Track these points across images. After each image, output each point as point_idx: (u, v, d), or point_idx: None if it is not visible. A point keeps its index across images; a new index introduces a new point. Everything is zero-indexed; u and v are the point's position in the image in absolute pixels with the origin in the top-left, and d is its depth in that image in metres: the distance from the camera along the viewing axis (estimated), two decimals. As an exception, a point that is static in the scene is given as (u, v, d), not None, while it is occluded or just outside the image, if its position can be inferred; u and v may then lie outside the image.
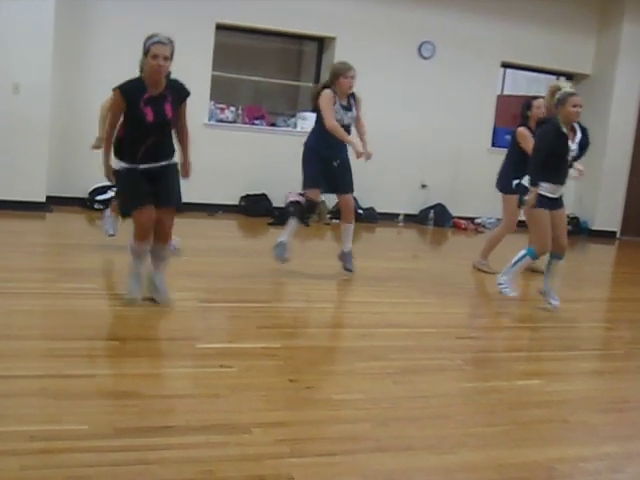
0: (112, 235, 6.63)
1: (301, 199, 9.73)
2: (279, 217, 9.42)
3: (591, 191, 11.21)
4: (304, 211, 6.42)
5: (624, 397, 4.14)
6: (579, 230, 11.17)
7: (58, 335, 4.18)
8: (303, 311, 5.54)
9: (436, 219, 10.57)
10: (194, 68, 8.86)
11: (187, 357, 4.05)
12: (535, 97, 7.29)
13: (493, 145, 11.23)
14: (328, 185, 6.27)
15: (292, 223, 6.39)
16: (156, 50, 4.50)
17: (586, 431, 3.54)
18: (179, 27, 9.00)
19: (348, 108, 6.14)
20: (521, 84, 14.05)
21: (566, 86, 5.62)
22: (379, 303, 5.69)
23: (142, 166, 4.67)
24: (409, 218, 10.57)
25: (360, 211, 10.03)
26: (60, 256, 6.47)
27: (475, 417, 3.58)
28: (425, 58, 10.55)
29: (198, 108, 9.05)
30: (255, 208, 9.72)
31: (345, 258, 6.39)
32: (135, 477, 2.63)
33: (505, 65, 11.49)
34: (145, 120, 4.58)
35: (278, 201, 9.81)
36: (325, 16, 9.89)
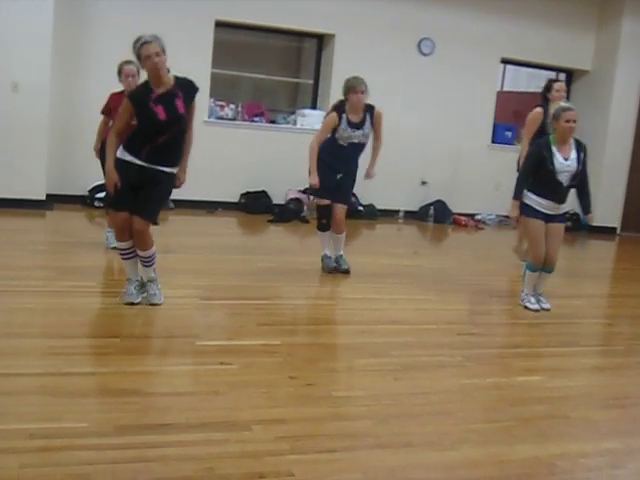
0: (114, 248, 6.47)
1: (300, 196, 9.78)
2: (279, 214, 9.43)
3: (591, 187, 11.17)
4: (320, 218, 6.43)
5: (625, 393, 4.14)
6: (579, 226, 11.14)
7: (58, 333, 4.17)
8: (303, 308, 5.54)
9: (436, 216, 10.57)
10: (193, 65, 8.80)
11: (187, 354, 4.04)
12: (556, 80, 7.25)
13: (493, 141, 11.22)
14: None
15: (320, 235, 6.51)
16: (146, 51, 4.53)
17: (587, 427, 3.53)
18: (178, 25, 9.03)
19: (359, 126, 6.12)
20: (521, 80, 14.03)
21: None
22: (379, 300, 5.69)
23: (141, 163, 4.64)
24: (409, 215, 10.56)
25: (360, 208, 10.04)
26: (60, 254, 6.46)
27: (476, 413, 3.57)
28: (425, 55, 10.53)
29: (198, 105, 8.95)
30: (255, 205, 9.71)
31: (338, 261, 6.41)
32: (135, 475, 2.63)
33: (505, 61, 11.48)
34: (157, 119, 4.57)
35: (278, 198, 9.81)
36: (324, 13, 9.88)
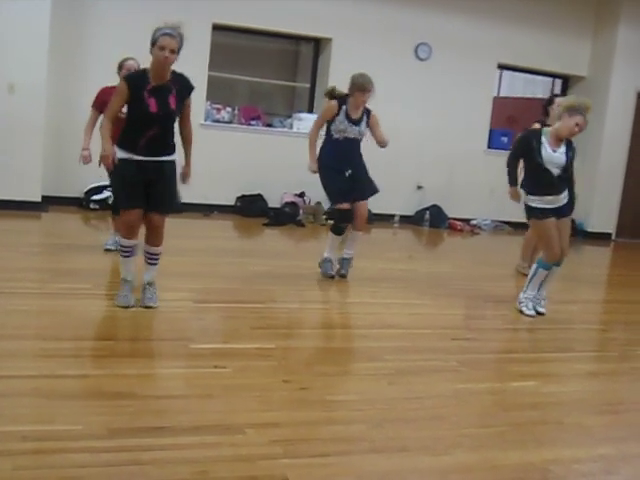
0: (108, 250, 6.45)
1: (296, 200, 9.79)
2: (274, 218, 9.43)
3: (587, 193, 11.20)
4: (338, 222, 6.32)
5: (619, 399, 4.15)
6: (575, 232, 11.16)
7: (52, 335, 4.16)
8: (298, 312, 5.53)
9: (432, 220, 10.57)
10: (190, 68, 8.79)
11: (181, 357, 4.04)
12: (559, 95, 7.27)
13: (489, 147, 11.24)
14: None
15: (331, 237, 6.36)
16: (164, 42, 4.51)
17: (581, 433, 3.53)
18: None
19: (356, 122, 6.12)
20: (517, 86, 14.06)
21: (585, 103, 5.55)
22: (374, 304, 5.69)
23: (139, 157, 4.62)
24: (405, 219, 10.57)
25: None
26: (55, 256, 6.45)
27: (470, 418, 3.57)
28: (421, 60, 10.55)
29: (194, 108, 8.90)
30: (251, 208, 9.70)
31: (343, 263, 6.39)
32: (128, 478, 2.63)
33: (501, 67, 11.50)
34: (148, 110, 4.56)
35: (274, 202, 9.81)
36: (322, 17, 9.89)
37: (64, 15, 8.61)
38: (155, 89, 4.59)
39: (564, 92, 11.40)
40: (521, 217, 6.06)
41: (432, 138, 10.61)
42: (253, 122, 10.05)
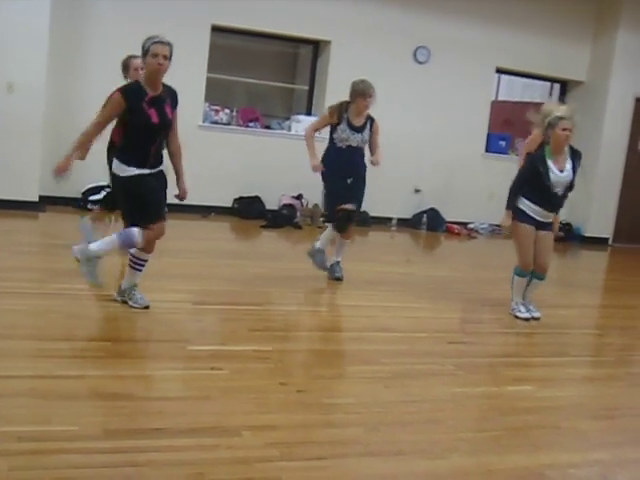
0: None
1: (294, 202, 9.79)
2: (272, 220, 9.43)
3: (584, 198, 11.22)
4: (345, 221, 6.30)
5: (614, 404, 4.15)
6: (572, 237, 11.19)
7: (48, 335, 4.16)
8: (295, 314, 5.53)
9: (429, 224, 10.58)
10: (189, 70, 8.84)
11: (178, 359, 4.04)
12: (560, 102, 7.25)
13: (487, 150, 11.25)
14: None
15: (330, 233, 6.41)
16: (156, 49, 4.49)
17: (576, 437, 3.54)
18: (175, 28, 8.96)
19: (359, 130, 6.16)
20: (516, 90, 14.08)
21: (559, 110, 5.56)
22: (371, 307, 5.69)
23: (149, 171, 4.62)
24: (402, 222, 10.57)
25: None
26: (52, 256, 6.44)
27: (466, 422, 3.57)
28: (420, 63, 10.56)
29: (192, 110, 9.04)
30: (248, 210, 9.70)
31: (334, 268, 6.41)
32: (124, 479, 2.62)
33: (500, 71, 11.51)
34: (150, 122, 4.54)
35: (271, 204, 9.81)
36: (321, 20, 9.90)
37: (64, 15, 8.61)
38: (153, 100, 4.58)
39: (562, 97, 11.41)
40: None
41: (430, 142, 10.62)
42: (251, 124, 10.05)
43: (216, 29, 9.57)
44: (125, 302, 4.81)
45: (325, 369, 4.21)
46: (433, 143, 10.65)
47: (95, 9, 8.94)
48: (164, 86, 4.69)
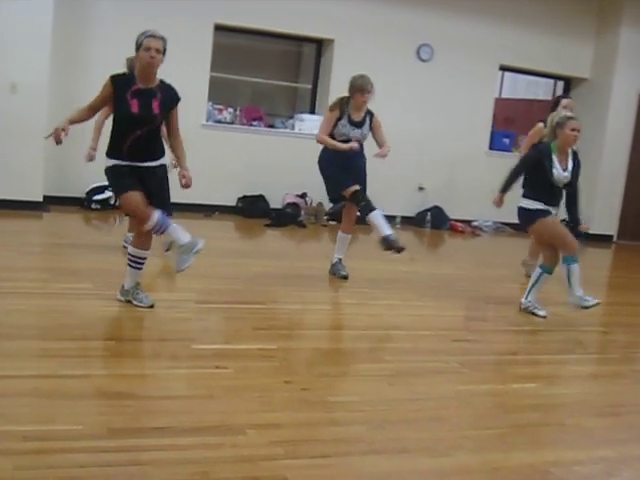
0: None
1: (298, 200, 9.79)
2: (276, 218, 9.43)
3: (588, 195, 11.19)
4: (358, 202, 6.27)
5: (619, 401, 4.14)
6: (576, 234, 11.15)
7: (53, 335, 4.17)
8: (299, 313, 5.53)
9: (433, 222, 10.57)
10: (192, 69, 8.86)
11: (182, 358, 4.04)
12: (565, 96, 7.25)
13: (490, 148, 11.24)
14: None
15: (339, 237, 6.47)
16: (149, 43, 4.52)
17: (581, 435, 3.53)
18: (178, 27, 9.02)
19: (359, 125, 6.14)
20: (519, 88, 14.06)
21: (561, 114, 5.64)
22: (375, 305, 5.69)
23: (127, 162, 4.63)
24: (406, 220, 10.56)
25: (357, 213, 10.02)
26: (56, 256, 6.45)
27: (470, 420, 3.57)
28: (423, 61, 10.55)
29: (196, 109, 9.05)
30: (252, 209, 9.70)
31: (337, 266, 6.41)
32: (128, 478, 2.62)
33: (503, 68, 11.49)
34: (130, 111, 4.56)
35: (275, 202, 9.81)
36: (324, 18, 9.89)
37: (66, 15, 8.61)
38: (139, 91, 4.59)
39: (566, 93, 11.38)
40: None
41: (434, 139, 10.61)
42: (255, 123, 10.05)
43: (219, 28, 9.57)
44: (129, 302, 4.82)
45: (329, 367, 4.20)
46: (437, 141, 10.64)
47: (97, 9, 8.95)
48: (162, 83, 4.70)
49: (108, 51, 8.70)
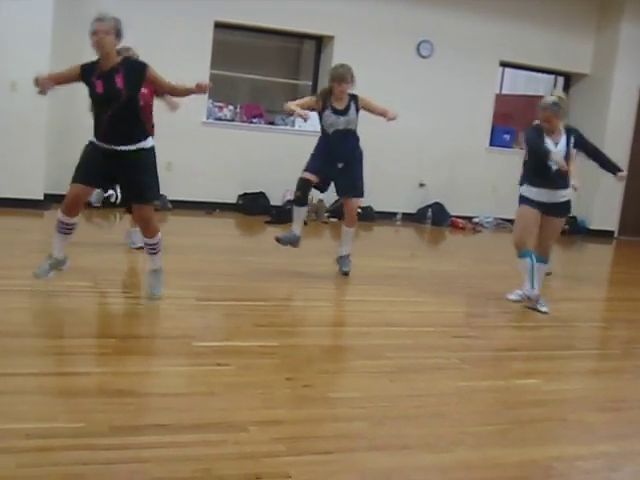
0: (139, 248, 6.37)
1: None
2: (277, 216, 9.42)
3: (589, 190, 11.20)
4: (296, 190, 6.20)
5: (621, 396, 4.14)
6: (577, 229, 11.17)
7: (54, 333, 4.17)
8: (300, 309, 5.54)
9: (434, 218, 10.57)
10: (192, 66, 8.84)
11: (184, 355, 4.04)
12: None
13: (491, 144, 11.23)
14: (335, 186, 6.32)
15: (295, 210, 6.37)
16: (94, 27, 4.89)
17: (583, 430, 3.54)
18: (178, 25, 9.05)
19: (343, 112, 6.09)
20: (520, 83, 14.04)
21: (557, 95, 5.75)
22: (376, 302, 5.69)
23: (100, 143, 4.75)
24: (407, 217, 10.57)
25: (358, 210, 10.02)
26: (57, 254, 6.44)
27: (472, 416, 3.57)
28: (423, 57, 10.54)
29: (196, 106, 9.04)
30: (253, 206, 9.70)
31: (342, 261, 6.41)
32: (131, 475, 2.63)
33: (504, 64, 11.48)
34: (95, 92, 4.79)
35: (276, 200, 9.81)
36: (324, 15, 9.88)
37: (66, 14, 8.59)
38: (103, 73, 4.81)
39: (566, 89, 11.37)
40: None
41: (434, 135, 10.61)
42: (255, 120, 10.05)
43: (219, 25, 9.57)
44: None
45: (331, 364, 4.21)
46: (437, 137, 10.63)
47: (98, 7, 8.88)
48: (126, 59, 4.92)
49: (108, 49, 8.69)
